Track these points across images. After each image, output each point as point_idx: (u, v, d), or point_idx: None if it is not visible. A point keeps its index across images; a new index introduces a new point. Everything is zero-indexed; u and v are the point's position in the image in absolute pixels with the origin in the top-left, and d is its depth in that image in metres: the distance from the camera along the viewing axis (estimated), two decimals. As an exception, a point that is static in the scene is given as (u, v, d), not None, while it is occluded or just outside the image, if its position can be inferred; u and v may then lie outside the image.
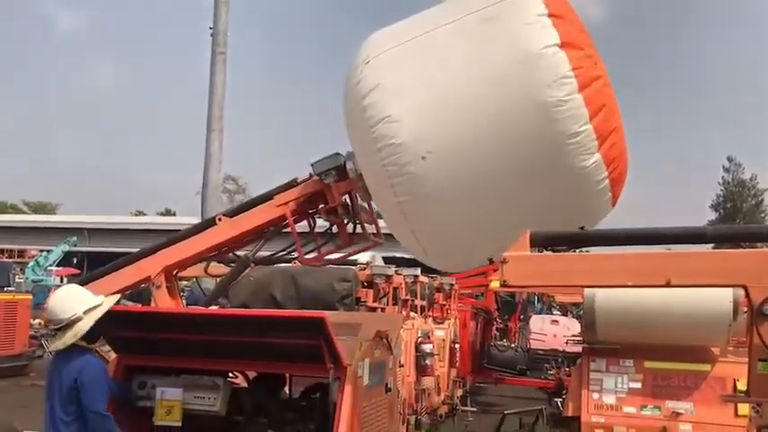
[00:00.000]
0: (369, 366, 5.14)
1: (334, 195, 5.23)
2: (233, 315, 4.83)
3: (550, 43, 3.99)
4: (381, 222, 5.33)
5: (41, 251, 37.72)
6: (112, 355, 5.15)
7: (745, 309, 7.45)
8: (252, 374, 5.52)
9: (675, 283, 2.95)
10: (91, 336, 4.67)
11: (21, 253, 41.82)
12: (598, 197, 4.15)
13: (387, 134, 4.26)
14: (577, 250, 3.62)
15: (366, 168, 4.66)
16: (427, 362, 8.65)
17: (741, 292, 6.78)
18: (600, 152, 4.02)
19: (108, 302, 4.75)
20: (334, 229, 5.64)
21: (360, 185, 5.22)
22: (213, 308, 6.27)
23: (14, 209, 70.69)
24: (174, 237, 5.88)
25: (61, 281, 32.03)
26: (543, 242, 3.33)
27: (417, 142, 4.23)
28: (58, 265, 38.36)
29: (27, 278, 33.65)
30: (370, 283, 6.17)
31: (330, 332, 4.56)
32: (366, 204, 5.48)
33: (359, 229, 5.53)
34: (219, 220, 5.46)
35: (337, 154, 5.34)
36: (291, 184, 5.71)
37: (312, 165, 5.40)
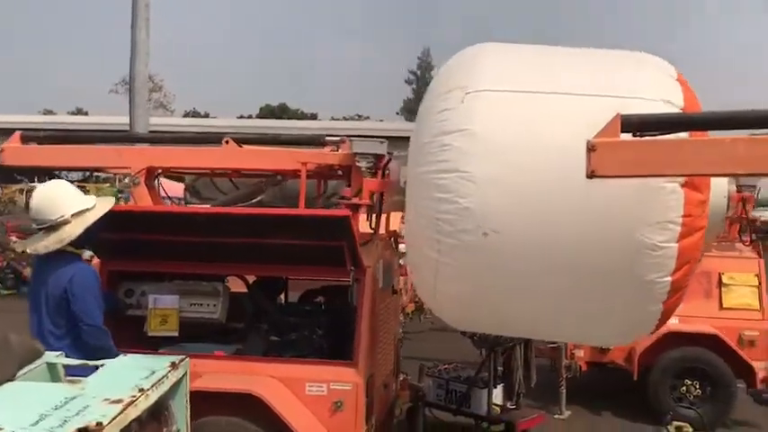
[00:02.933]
0: (382, 268, 4.82)
1: (364, 187, 4.60)
2: (245, 214, 4.35)
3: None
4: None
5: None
6: (95, 261, 4.61)
7: (735, 203, 7.74)
8: (251, 279, 5.10)
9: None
10: (77, 242, 4.10)
11: None
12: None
13: (456, 190, 3.63)
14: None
15: (414, 199, 3.95)
16: (400, 261, 8.39)
17: (733, 186, 6.92)
18: (663, 305, 3.74)
19: (102, 207, 4.16)
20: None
21: (396, 200, 4.63)
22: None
23: None
24: (163, 137, 5.24)
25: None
26: (637, 127, 2.98)
27: (486, 216, 3.60)
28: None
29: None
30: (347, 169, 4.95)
31: (354, 232, 4.16)
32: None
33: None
34: (227, 142, 4.85)
35: (383, 143, 4.72)
36: (319, 141, 5.15)
37: (351, 140, 4.84)
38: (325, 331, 4.80)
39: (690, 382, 7.04)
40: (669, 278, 3.68)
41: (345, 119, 53.34)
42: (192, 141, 5.45)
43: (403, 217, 5.92)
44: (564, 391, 7.29)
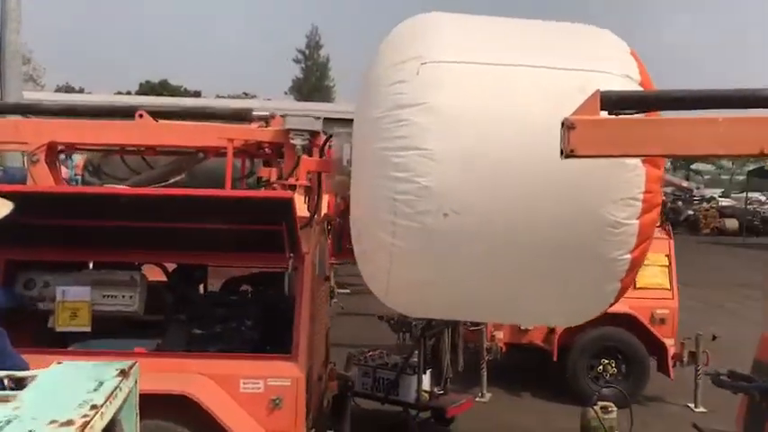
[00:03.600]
0: (318, 254, 4.49)
1: (301, 167, 4.21)
2: (174, 195, 3.88)
3: None
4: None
5: None
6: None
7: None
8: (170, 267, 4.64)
9: (772, 152, 2.62)
10: None
11: None
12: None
13: (414, 168, 3.36)
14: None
15: (365, 179, 3.64)
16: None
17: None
18: (621, 283, 3.66)
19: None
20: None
21: (339, 180, 4.27)
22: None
23: None
24: (66, 107, 4.64)
25: None
26: (616, 104, 2.82)
27: (447, 195, 3.37)
28: None
29: None
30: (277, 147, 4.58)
31: (295, 216, 3.82)
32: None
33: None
34: (141, 116, 4.33)
35: (318, 119, 4.35)
36: (244, 116, 4.68)
37: (285, 117, 4.40)
38: (255, 322, 4.43)
39: (606, 361, 7.16)
40: (629, 256, 3.61)
41: (231, 97, 51.74)
42: (98, 114, 4.88)
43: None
44: (485, 373, 7.25)
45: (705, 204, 35.22)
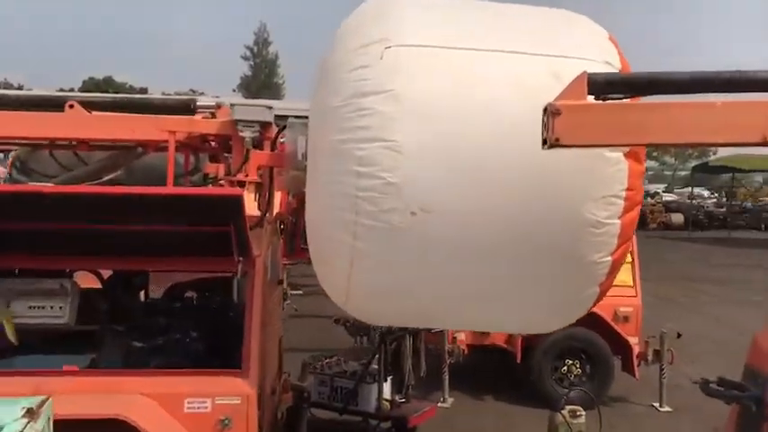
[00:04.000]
0: (271, 255, 4.12)
1: (251, 161, 3.82)
2: (110, 194, 3.44)
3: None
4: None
5: None
6: None
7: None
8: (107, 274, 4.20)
9: (776, 139, 2.36)
10: None
11: None
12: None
13: (379, 162, 3.03)
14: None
15: (323, 174, 3.25)
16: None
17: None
18: (600, 287, 3.36)
19: None
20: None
21: (293, 176, 3.83)
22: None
23: None
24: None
25: None
26: (604, 88, 2.52)
27: (415, 192, 3.03)
28: None
29: None
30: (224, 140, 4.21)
31: (245, 215, 3.43)
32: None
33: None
34: (71, 107, 3.87)
35: (270, 109, 3.96)
36: (188, 107, 4.26)
37: (232, 107, 3.98)
38: (201, 333, 4.03)
39: (571, 362, 6.95)
40: (610, 258, 3.33)
41: (178, 94, 50.57)
42: (25, 105, 4.40)
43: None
44: (447, 377, 6.96)
45: (650, 200, 35.82)
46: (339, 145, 3.15)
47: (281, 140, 3.92)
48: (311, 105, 3.48)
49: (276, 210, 4.61)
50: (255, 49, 62.95)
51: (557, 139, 2.45)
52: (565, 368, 6.96)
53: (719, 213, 35.31)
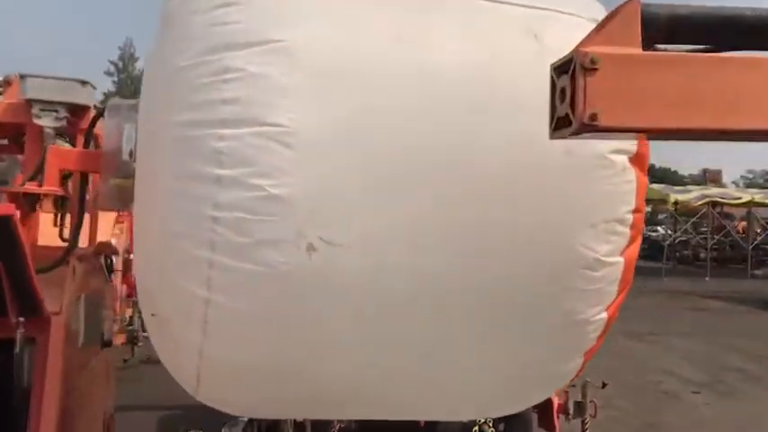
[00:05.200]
0: (85, 308, 2.70)
1: (48, 162, 2.40)
2: None
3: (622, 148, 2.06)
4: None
5: None
6: None
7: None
8: None
9: None
10: None
11: None
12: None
13: (256, 162, 1.80)
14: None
15: (159, 182, 1.97)
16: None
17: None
18: (585, 357, 2.28)
19: None
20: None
21: (115, 186, 2.45)
22: None
23: None
24: None
25: None
26: (670, 29, 1.40)
27: (315, 213, 1.85)
28: None
29: None
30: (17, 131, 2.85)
31: (22, 247, 2.05)
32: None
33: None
34: None
35: (85, 83, 2.59)
36: None
37: (22, 78, 2.56)
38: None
39: (483, 420, 5.85)
40: (605, 314, 2.22)
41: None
42: None
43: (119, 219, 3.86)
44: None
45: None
46: (186, 131, 1.86)
47: (102, 131, 2.55)
48: (144, 72, 2.17)
49: (101, 238, 3.18)
50: (121, 64, 59.77)
51: (593, 117, 1.30)
52: (476, 427, 5.85)
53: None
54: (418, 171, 1.91)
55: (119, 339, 8.21)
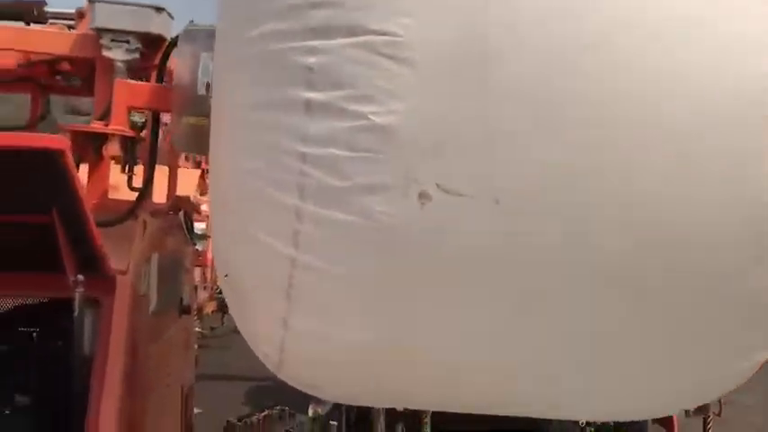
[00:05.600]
0: (156, 272, 2.38)
1: (115, 99, 2.11)
2: None
3: None
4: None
5: None
6: None
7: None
8: None
9: None
10: None
11: None
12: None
13: (355, 84, 1.43)
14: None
15: (231, 114, 1.64)
16: (198, 247, 5.93)
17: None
18: None
19: None
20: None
21: (189, 127, 2.13)
22: None
23: None
24: None
25: None
26: None
27: (430, 152, 1.46)
28: None
29: None
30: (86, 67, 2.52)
31: (79, 192, 1.72)
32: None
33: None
34: None
35: (161, 10, 2.33)
36: (31, 11, 2.54)
37: (90, 2, 2.27)
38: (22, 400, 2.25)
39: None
40: None
41: None
42: None
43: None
44: None
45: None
46: (268, 44, 1.47)
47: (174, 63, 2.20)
48: None
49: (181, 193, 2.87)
50: None
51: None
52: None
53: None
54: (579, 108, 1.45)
55: (209, 307, 8.15)
